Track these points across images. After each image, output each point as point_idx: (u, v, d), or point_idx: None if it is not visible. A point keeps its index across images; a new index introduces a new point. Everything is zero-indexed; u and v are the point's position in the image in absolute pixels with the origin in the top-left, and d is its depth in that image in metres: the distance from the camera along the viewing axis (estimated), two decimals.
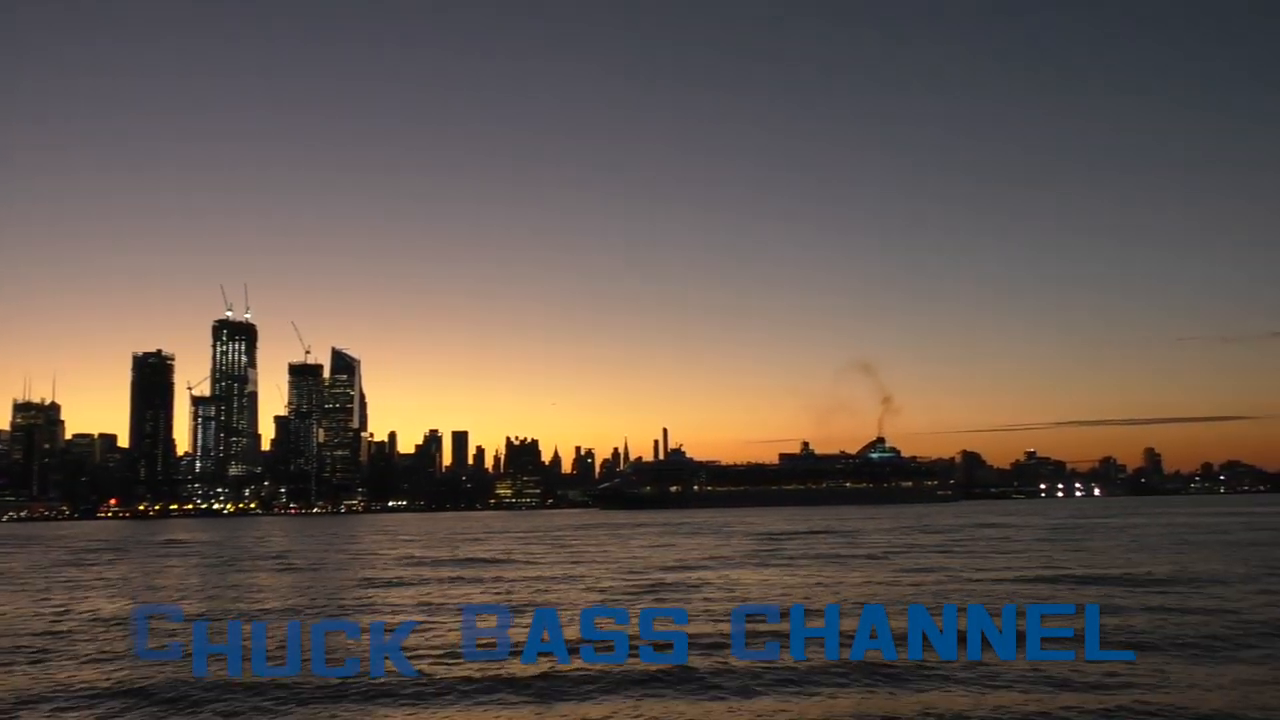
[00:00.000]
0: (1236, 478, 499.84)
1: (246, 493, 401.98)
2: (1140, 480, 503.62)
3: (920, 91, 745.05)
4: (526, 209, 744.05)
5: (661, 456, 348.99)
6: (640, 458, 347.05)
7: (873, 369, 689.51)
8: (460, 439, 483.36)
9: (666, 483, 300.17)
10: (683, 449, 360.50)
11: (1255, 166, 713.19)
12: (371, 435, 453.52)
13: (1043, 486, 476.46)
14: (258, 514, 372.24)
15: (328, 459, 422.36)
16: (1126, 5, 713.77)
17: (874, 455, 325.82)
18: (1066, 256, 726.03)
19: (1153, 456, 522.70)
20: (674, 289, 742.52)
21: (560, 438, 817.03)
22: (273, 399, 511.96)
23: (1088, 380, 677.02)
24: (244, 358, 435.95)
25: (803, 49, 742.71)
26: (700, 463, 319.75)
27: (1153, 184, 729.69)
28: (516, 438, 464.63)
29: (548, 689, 21.04)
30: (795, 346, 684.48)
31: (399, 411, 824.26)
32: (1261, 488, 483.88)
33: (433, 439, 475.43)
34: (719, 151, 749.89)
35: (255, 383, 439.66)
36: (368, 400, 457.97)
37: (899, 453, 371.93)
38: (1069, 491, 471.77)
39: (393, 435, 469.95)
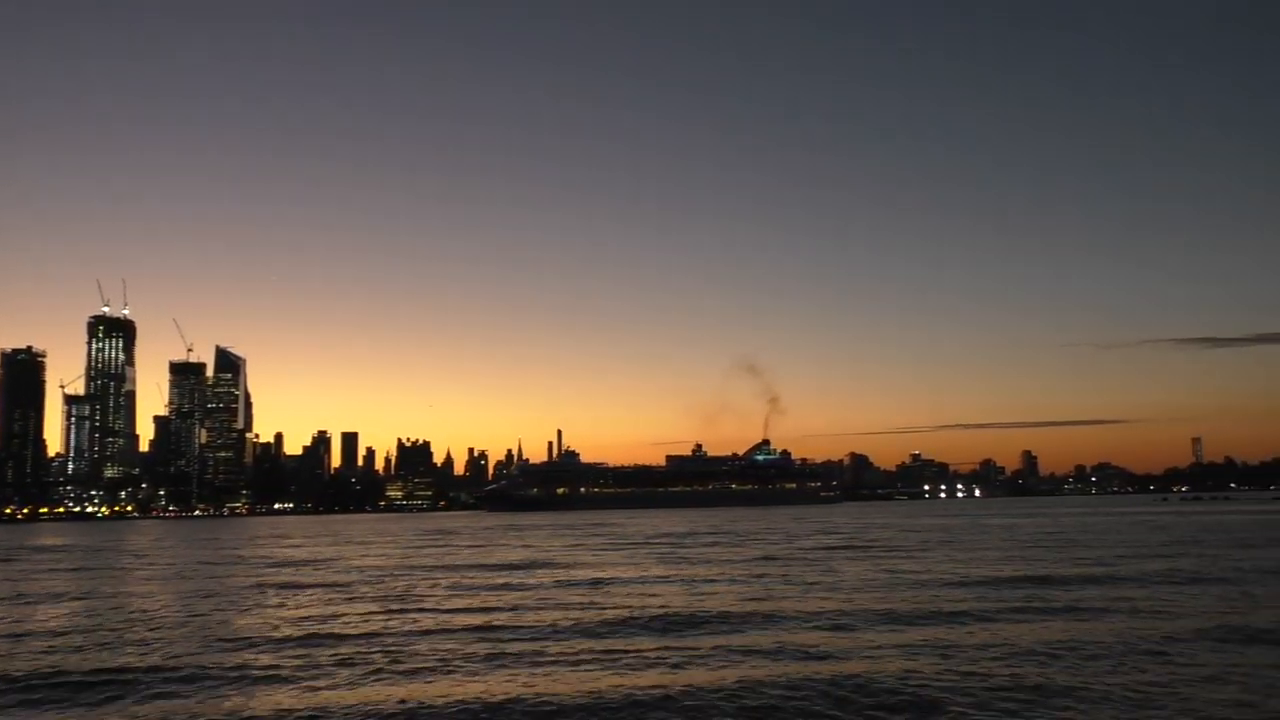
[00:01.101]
0: (1107, 479, 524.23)
1: (123, 495, 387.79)
2: (1018, 481, 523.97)
3: (811, 95, 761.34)
4: (419, 209, 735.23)
5: (555, 458, 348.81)
6: (527, 460, 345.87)
7: (759, 370, 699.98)
8: (350, 440, 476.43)
9: (554, 485, 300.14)
10: (576, 451, 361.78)
11: (1132, 183, 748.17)
12: (257, 436, 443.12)
13: (927, 488, 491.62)
14: (134, 517, 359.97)
15: (210, 460, 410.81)
16: (1006, 11, 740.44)
17: (759, 457, 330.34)
18: (950, 265, 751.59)
19: (1030, 459, 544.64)
20: (570, 290, 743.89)
21: (453, 439, 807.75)
22: (152, 398, 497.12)
23: (970, 385, 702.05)
24: (121, 355, 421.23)
25: (691, 48, 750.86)
26: (587, 465, 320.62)
27: (1034, 198, 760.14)
28: (408, 439, 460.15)
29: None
30: (687, 348, 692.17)
31: (286, 412, 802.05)
32: (1130, 489, 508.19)
33: (321, 440, 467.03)
34: (608, 155, 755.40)
35: (133, 381, 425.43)
36: (253, 400, 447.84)
37: (789, 454, 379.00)
38: (951, 492, 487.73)
39: (279, 436, 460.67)
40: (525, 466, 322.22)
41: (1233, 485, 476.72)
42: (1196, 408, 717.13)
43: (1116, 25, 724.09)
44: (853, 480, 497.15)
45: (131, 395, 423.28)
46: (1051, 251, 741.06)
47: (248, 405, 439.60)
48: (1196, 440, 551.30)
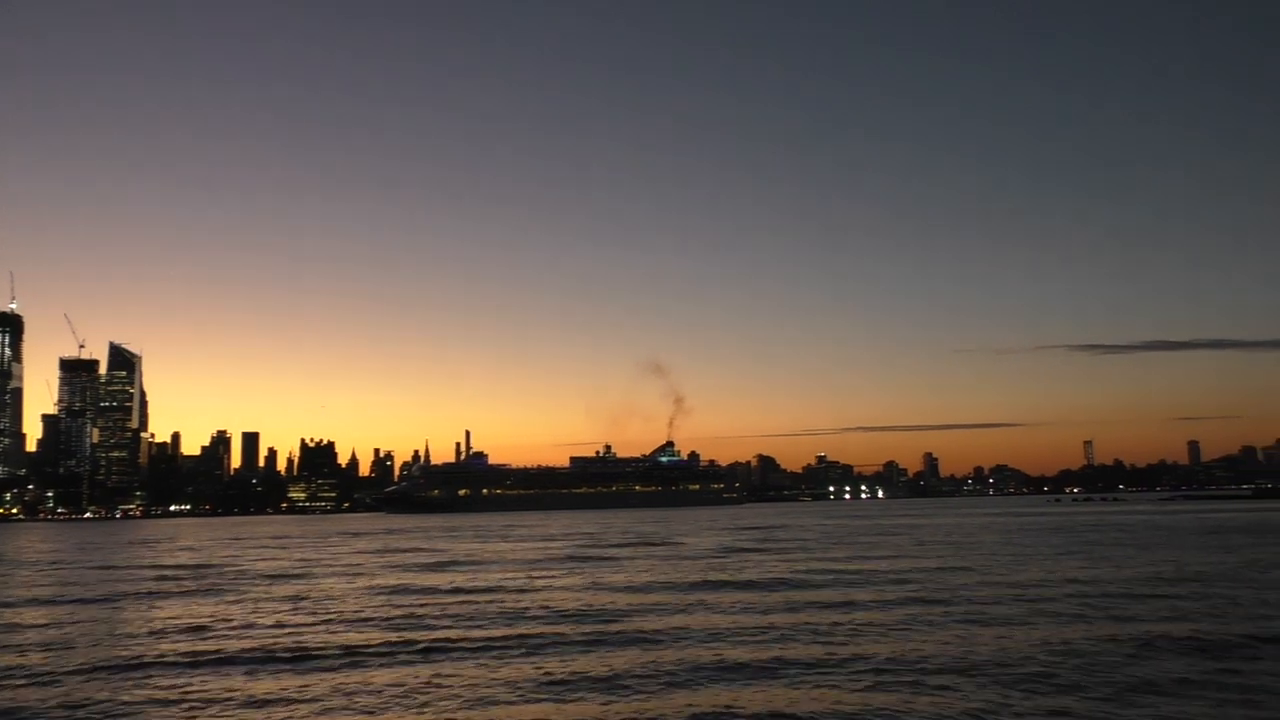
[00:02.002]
0: (1004, 480, 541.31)
1: (8, 497, 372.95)
2: (920, 483, 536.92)
3: (716, 99, 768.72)
4: (325, 206, 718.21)
5: (463, 459, 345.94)
6: (429, 461, 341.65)
7: (665, 370, 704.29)
8: (250, 440, 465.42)
9: (456, 486, 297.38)
10: (484, 453, 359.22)
11: (1025, 194, 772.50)
12: (153, 436, 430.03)
13: (832, 489, 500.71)
14: (19, 519, 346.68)
15: (102, 461, 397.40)
16: (907, 17, 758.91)
17: (664, 459, 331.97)
18: (853, 271, 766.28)
19: (931, 460, 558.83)
20: (479, 291, 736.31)
21: (360, 440, 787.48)
22: (40, 396, 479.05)
23: (873, 388, 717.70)
24: (8, 351, 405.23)
25: (584, 49, 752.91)
26: (490, 466, 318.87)
27: (933, 209, 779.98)
28: (311, 439, 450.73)
29: None
30: (595, 350, 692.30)
31: (184, 411, 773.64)
32: (1025, 489, 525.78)
33: (220, 440, 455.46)
34: (513, 155, 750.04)
35: (20, 378, 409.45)
36: (149, 399, 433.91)
37: (698, 455, 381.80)
38: (856, 493, 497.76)
39: (176, 436, 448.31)
40: (426, 468, 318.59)
41: (1121, 486, 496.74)
42: (1088, 412, 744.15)
43: (1022, 33, 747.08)
44: (760, 482, 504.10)
45: (18, 393, 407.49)
46: (950, 260, 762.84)
47: (143, 404, 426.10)
48: (1088, 443, 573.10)
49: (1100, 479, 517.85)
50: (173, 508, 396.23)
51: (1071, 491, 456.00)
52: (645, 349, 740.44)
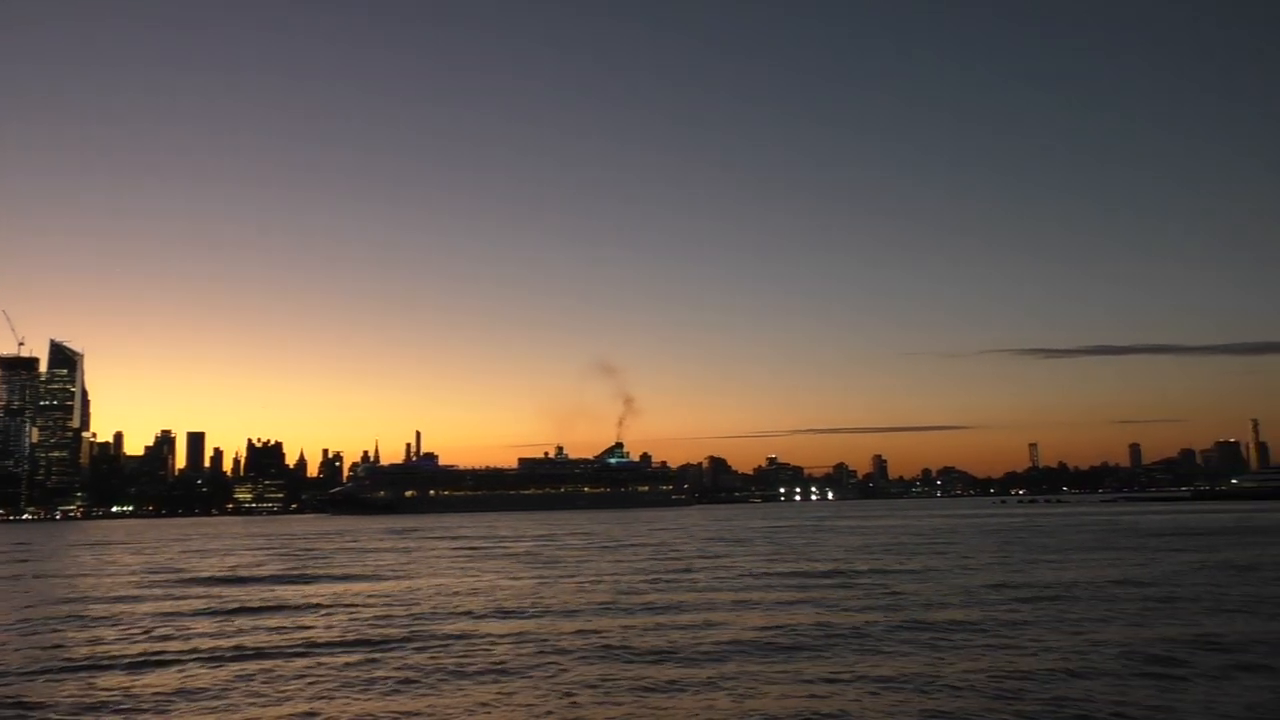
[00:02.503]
0: (951, 482, 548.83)
1: None
2: (869, 485, 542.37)
3: (665, 97, 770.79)
4: (274, 202, 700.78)
5: (413, 459, 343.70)
6: (377, 461, 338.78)
7: (615, 370, 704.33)
8: (196, 440, 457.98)
9: (402, 487, 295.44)
10: (434, 454, 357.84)
11: (970, 201, 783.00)
12: (94, 435, 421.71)
13: (782, 490, 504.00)
14: None
15: (42, 461, 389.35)
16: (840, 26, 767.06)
17: (612, 460, 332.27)
18: (803, 274, 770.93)
19: (880, 462, 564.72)
20: (432, 289, 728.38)
21: (308, 440, 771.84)
22: None
23: (823, 391, 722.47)
24: None
25: (539, 46, 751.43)
26: (437, 467, 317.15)
27: (882, 215, 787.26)
28: (259, 439, 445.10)
29: None
30: (548, 350, 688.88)
31: (127, 410, 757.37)
32: (971, 491, 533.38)
33: (164, 440, 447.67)
34: (463, 154, 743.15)
35: None
36: (91, 398, 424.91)
37: (649, 456, 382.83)
38: (806, 495, 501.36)
39: (119, 436, 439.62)
40: (372, 468, 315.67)
41: (1065, 488, 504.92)
42: (1033, 415, 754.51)
43: (973, 38, 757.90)
44: (711, 483, 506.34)
45: None
46: (898, 265, 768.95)
47: (85, 403, 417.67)
48: (1033, 446, 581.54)
49: (1045, 481, 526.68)
50: (115, 509, 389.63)
51: (1017, 493, 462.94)
52: (596, 349, 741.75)
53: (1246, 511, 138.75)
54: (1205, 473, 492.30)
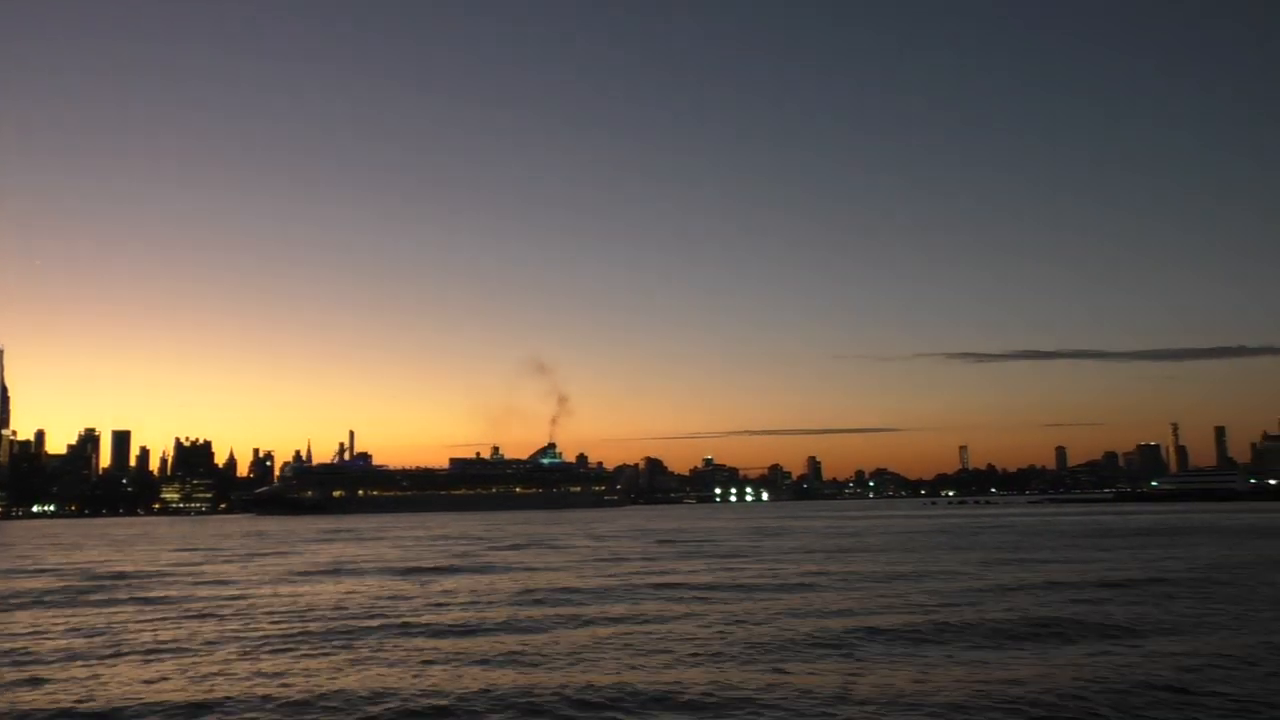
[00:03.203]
0: (883, 484, 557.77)
1: None
2: (803, 486, 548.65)
3: (598, 92, 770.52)
4: (202, 193, 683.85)
5: (346, 459, 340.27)
6: (309, 461, 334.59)
7: (548, 369, 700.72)
8: (121, 438, 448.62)
9: (330, 487, 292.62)
10: (368, 454, 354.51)
11: (910, 203, 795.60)
12: (14, 433, 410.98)
13: (718, 491, 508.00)
14: None
15: None
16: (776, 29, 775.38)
17: (545, 461, 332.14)
18: (736, 276, 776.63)
19: (814, 464, 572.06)
20: (363, 287, 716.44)
21: (239, 439, 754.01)
22: None
23: (759, 393, 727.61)
24: None
25: (468, 47, 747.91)
26: (366, 467, 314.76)
27: (815, 217, 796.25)
28: (187, 438, 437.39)
29: None
30: (483, 349, 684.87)
31: (49, 407, 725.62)
32: (903, 493, 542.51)
33: (89, 438, 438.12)
34: (397, 149, 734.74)
35: None
36: (11, 394, 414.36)
37: (585, 457, 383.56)
38: (741, 496, 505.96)
39: (40, 434, 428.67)
40: (300, 468, 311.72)
41: (994, 490, 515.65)
42: (963, 418, 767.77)
43: (911, 50, 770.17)
44: (647, 484, 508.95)
45: None
46: (832, 269, 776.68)
47: (4, 400, 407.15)
48: (963, 448, 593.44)
49: (974, 483, 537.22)
50: (35, 509, 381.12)
51: (947, 495, 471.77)
52: (531, 349, 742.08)
53: (1163, 513, 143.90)
54: (1127, 474, 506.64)
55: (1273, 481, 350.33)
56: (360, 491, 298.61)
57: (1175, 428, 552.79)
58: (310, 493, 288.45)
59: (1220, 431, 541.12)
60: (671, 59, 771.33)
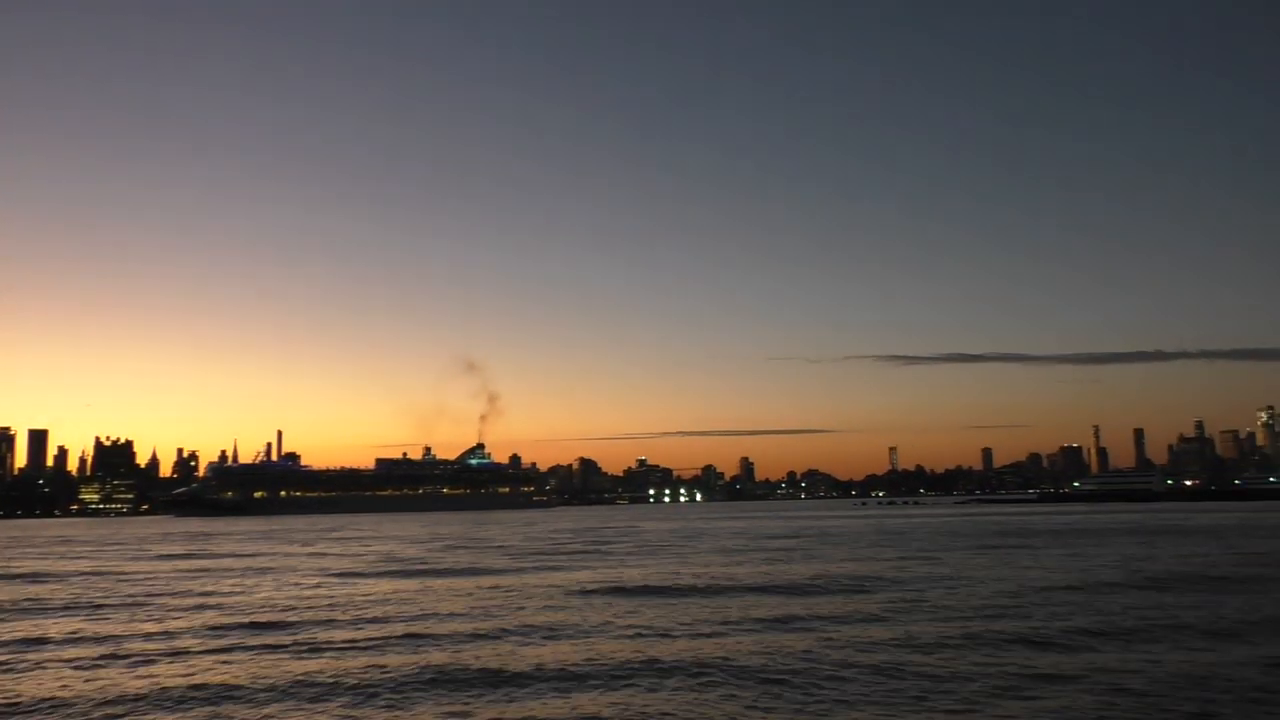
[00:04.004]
0: (815, 484, 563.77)
1: None
2: (736, 486, 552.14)
3: (528, 94, 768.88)
4: (126, 181, 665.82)
5: (274, 459, 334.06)
6: (236, 461, 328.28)
7: (478, 368, 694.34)
8: (38, 438, 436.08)
9: (251, 488, 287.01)
10: (297, 454, 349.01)
11: (841, 208, 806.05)
12: None
13: (652, 492, 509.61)
14: None
15: None
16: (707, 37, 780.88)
17: (473, 461, 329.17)
18: (670, 277, 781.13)
19: (747, 465, 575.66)
20: (293, 283, 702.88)
21: (164, 439, 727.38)
22: None
23: (693, 394, 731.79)
24: None
25: (386, 46, 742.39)
26: (289, 467, 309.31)
27: (748, 221, 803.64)
28: (108, 438, 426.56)
29: None
30: (411, 348, 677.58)
31: None
32: (834, 493, 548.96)
33: (3, 437, 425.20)
34: (321, 148, 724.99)
35: None
36: None
37: (519, 458, 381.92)
38: (675, 497, 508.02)
39: None
40: (220, 468, 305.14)
41: (922, 491, 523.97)
42: (893, 419, 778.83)
43: (847, 53, 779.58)
44: (581, 484, 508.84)
45: None
46: (765, 271, 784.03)
47: None
48: (893, 450, 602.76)
49: (903, 484, 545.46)
50: None
51: (877, 495, 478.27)
52: (461, 347, 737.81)
53: (1085, 513, 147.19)
54: (1051, 475, 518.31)
55: (1188, 482, 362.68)
56: (283, 492, 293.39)
57: (1097, 430, 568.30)
58: (231, 494, 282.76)
59: (1139, 434, 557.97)
60: (596, 58, 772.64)
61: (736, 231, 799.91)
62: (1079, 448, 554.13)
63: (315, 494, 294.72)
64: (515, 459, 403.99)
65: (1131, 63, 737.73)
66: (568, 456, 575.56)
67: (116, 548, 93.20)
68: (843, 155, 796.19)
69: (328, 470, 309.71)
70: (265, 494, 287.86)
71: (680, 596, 37.69)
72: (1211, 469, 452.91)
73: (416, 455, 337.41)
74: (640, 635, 27.79)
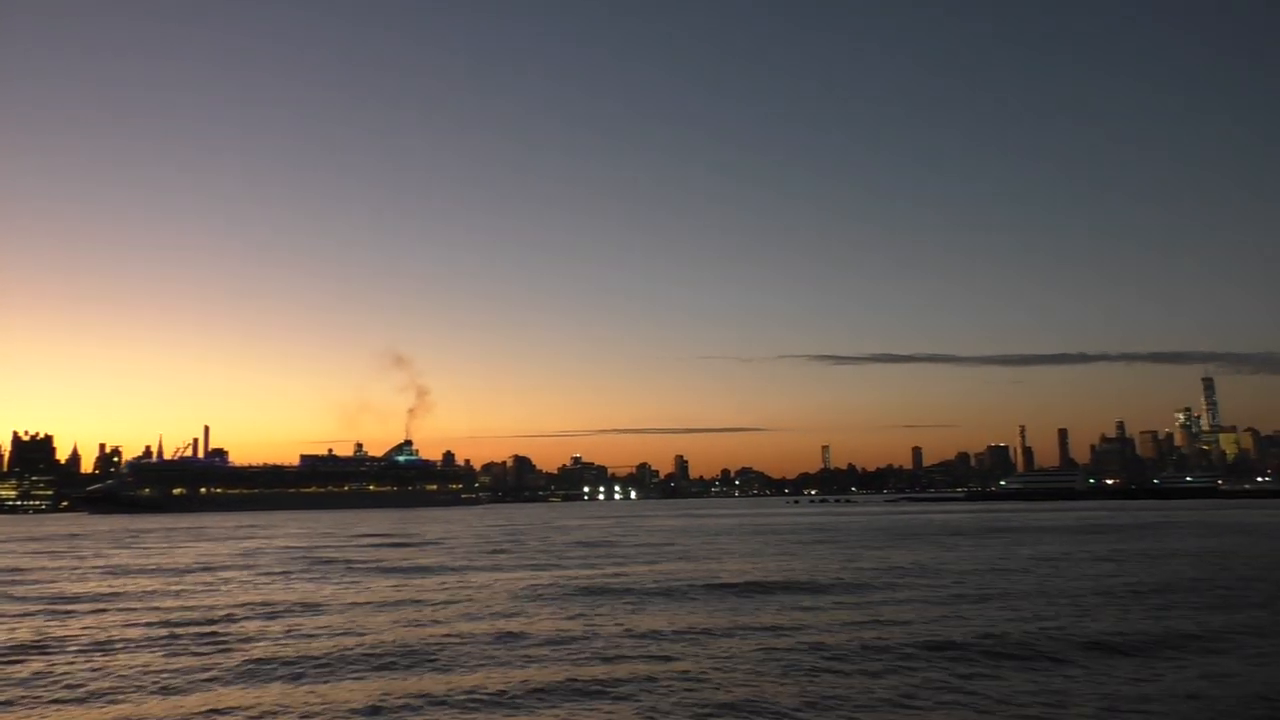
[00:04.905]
0: (748, 482, 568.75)
1: None
2: (670, 484, 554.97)
3: (464, 89, 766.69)
4: (43, 178, 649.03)
5: (196, 455, 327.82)
6: (158, 457, 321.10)
7: (406, 362, 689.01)
8: None
9: (170, 485, 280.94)
10: (224, 450, 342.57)
11: (774, 210, 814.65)
12: None
13: (586, 489, 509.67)
14: None
15: None
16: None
17: (400, 458, 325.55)
18: (604, 276, 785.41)
19: (682, 463, 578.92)
20: (220, 277, 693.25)
21: (84, 434, 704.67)
22: None
23: (626, 392, 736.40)
24: None
25: (335, 34, 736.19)
26: (210, 463, 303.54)
27: (683, 221, 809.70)
28: (26, 432, 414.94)
29: None
30: (341, 343, 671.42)
31: None
32: (767, 491, 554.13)
33: None
34: (248, 137, 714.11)
35: None
36: None
37: (452, 454, 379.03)
38: (609, 494, 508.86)
39: None
40: (137, 464, 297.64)
41: (854, 489, 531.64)
42: (825, 418, 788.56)
43: (807, 51, 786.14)
44: (516, 482, 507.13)
45: None
46: (699, 270, 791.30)
47: None
48: (825, 448, 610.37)
49: (835, 482, 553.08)
50: None
51: (810, 493, 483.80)
52: (389, 340, 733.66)
53: (1013, 511, 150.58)
54: (979, 474, 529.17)
55: (1110, 481, 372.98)
56: (204, 489, 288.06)
57: (1023, 430, 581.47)
58: (149, 491, 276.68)
59: (1063, 434, 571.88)
60: (522, 56, 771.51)
61: (669, 231, 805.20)
62: (1006, 447, 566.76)
63: (237, 491, 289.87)
64: (449, 456, 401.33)
65: (1061, 73, 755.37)
66: (503, 454, 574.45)
67: None
68: (772, 156, 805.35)
69: (251, 467, 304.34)
70: (185, 491, 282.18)
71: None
72: (1131, 468, 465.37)
73: (348, 452, 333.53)
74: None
